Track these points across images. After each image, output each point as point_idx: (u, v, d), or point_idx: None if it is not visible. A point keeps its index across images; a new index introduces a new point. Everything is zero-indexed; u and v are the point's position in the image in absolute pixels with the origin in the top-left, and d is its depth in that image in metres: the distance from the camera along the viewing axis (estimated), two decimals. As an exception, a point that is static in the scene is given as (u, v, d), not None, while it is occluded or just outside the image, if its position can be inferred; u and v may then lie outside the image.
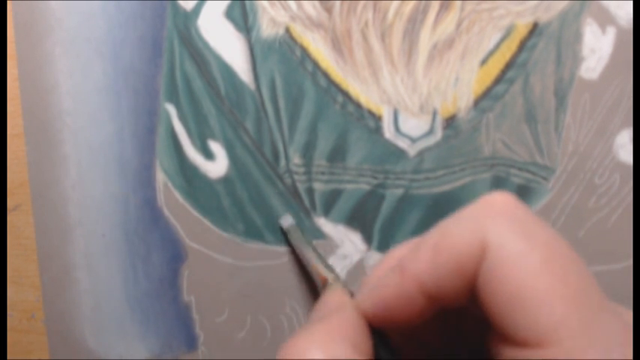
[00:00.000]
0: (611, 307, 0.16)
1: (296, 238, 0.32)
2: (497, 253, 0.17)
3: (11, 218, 0.34)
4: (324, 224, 0.33)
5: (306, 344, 0.18)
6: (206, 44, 0.32)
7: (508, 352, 0.17)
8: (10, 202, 0.34)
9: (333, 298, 0.21)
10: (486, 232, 0.17)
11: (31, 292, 0.35)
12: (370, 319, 0.20)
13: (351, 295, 0.22)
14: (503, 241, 0.17)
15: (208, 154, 0.33)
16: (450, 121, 0.31)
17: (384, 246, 0.32)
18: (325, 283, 0.26)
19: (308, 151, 0.32)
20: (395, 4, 0.30)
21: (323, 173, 0.32)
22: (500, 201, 0.18)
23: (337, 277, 0.26)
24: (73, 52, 0.32)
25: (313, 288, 0.33)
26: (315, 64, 0.31)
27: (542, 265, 0.16)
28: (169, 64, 0.32)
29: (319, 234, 0.33)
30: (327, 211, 0.32)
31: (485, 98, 0.31)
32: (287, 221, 0.33)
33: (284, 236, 0.33)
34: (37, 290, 0.35)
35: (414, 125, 0.31)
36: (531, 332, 0.16)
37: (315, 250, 0.30)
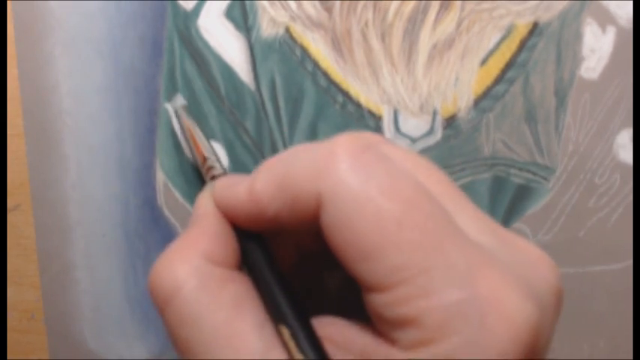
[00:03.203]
0: (459, 240, 0.16)
1: (184, 119, 0.30)
2: (335, 202, 0.17)
3: (11, 218, 0.34)
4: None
5: (168, 260, 0.19)
6: (206, 44, 0.32)
7: (364, 294, 0.17)
8: (10, 202, 0.34)
9: (203, 200, 0.21)
10: (325, 179, 0.17)
11: (31, 292, 0.35)
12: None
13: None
14: (340, 189, 0.17)
15: (208, 154, 0.33)
16: (450, 121, 0.31)
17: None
18: (204, 163, 0.26)
19: (308, 151, 0.32)
20: (395, 4, 0.30)
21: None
22: (346, 143, 0.18)
23: (216, 160, 0.26)
24: (73, 52, 0.32)
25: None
26: (315, 64, 0.31)
27: (378, 211, 0.16)
28: (169, 64, 0.32)
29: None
30: (327, 211, 0.32)
31: (486, 98, 0.31)
32: (177, 102, 0.32)
33: (174, 119, 0.32)
34: (37, 290, 0.35)
35: (414, 125, 0.31)
36: (373, 278, 0.16)
37: (201, 133, 0.29)
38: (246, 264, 0.20)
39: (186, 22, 0.32)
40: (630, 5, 0.29)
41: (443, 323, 0.15)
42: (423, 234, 0.16)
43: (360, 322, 0.18)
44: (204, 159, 0.26)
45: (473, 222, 0.18)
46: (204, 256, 0.19)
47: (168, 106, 0.32)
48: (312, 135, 0.32)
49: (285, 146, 0.32)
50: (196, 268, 0.18)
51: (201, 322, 0.17)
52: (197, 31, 0.32)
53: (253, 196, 0.19)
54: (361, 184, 0.17)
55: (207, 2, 0.31)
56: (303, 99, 0.32)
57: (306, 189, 0.17)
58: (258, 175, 0.19)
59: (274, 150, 0.32)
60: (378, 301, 0.16)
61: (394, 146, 0.19)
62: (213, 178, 0.26)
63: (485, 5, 0.30)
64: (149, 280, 0.19)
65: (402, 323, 0.16)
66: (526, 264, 0.17)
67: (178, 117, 0.31)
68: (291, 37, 0.31)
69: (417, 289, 0.16)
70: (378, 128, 0.31)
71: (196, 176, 0.33)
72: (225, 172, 0.26)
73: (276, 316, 0.18)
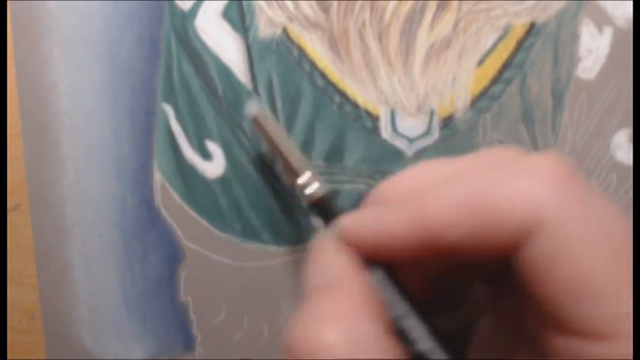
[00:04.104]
0: None
1: (268, 126, 0.26)
2: (555, 233, 0.14)
3: (11, 218, 0.34)
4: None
5: (319, 325, 0.15)
6: (203, 44, 0.32)
7: (557, 338, 0.15)
8: (10, 202, 0.34)
9: (327, 251, 0.18)
10: (543, 203, 0.15)
11: (31, 292, 0.35)
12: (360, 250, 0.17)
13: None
14: (565, 219, 0.14)
15: (206, 155, 0.33)
16: (448, 122, 0.31)
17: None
18: (297, 182, 0.22)
19: (305, 151, 0.32)
20: (392, 4, 0.30)
21: (320, 173, 0.32)
22: (553, 165, 0.15)
23: (313, 175, 0.22)
24: (71, 52, 0.32)
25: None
26: (313, 65, 0.31)
27: (614, 253, 0.14)
28: (167, 64, 0.32)
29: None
30: (324, 212, 0.32)
31: (483, 98, 0.31)
32: (253, 107, 0.27)
33: (252, 126, 0.28)
34: (37, 290, 0.35)
35: (412, 125, 0.31)
36: (593, 324, 0.14)
37: (290, 141, 0.25)
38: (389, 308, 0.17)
39: (183, 23, 0.32)
40: (627, 6, 0.29)
41: None
42: None
43: None
44: (295, 174, 0.22)
45: None
46: (367, 314, 0.16)
47: (247, 111, 0.28)
48: (310, 135, 0.32)
49: (282, 146, 0.32)
50: (365, 334, 0.15)
51: None
52: (194, 31, 0.32)
53: (425, 222, 0.16)
54: (588, 214, 0.15)
55: (205, 2, 0.32)
56: (300, 99, 0.32)
57: (513, 214, 0.15)
58: (426, 196, 0.16)
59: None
60: (590, 349, 0.14)
61: None
62: (316, 203, 0.21)
63: (483, 5, 0.30)
64: (300, 343, 0.15)
65: None
66: None
67: (259, 124, 0.27)
68: (289, 38, 0.31)
69: (629, 346, 0.14)
70: (375, 129, 0.31)
71: (194, 176, 0.33)
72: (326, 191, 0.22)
73: None
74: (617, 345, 0.14)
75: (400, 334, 0.17)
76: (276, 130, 0.26)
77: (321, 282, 0.17)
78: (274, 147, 0.25)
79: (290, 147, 0.25)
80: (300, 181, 0.21)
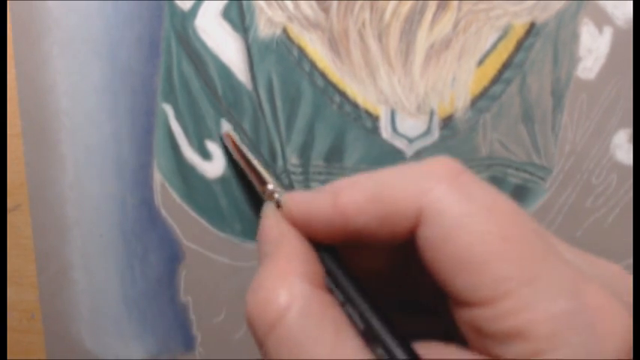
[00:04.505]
0: (559, 255, 0.17)
1: (234, 144, 0.30)
2: (436, 218, 0.17)
3: (11, 218, 0.34)
4: None
5: (267, 285, 0.18)
6: (203, 44, 0.32)
7: (458, 310, 0.17)
8: (10, 202, 0.34)
9: (271, 221, 0.21)
10: (426, 196, 0.17)
11: (31, 292, 0.35)
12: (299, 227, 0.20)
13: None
14: (443, 206, 0.17)
15: (206, 155, 0.33)
16: (447, 122, 0.31)
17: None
18: (265, 191, 0.25)
19: (305, 151, 0.32)
20: (392, 4, 0.30)
21: (320, 173, 0.32)
22: (443, 166, 0.18)
23: (275, 184, 0.25)
24: (71, 53, 0.32)
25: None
26: (313, 65, 0.31)
27: (482, 226, 0.17)
28: (166, 64, 0.32)
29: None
30: (324, 212, 0.32)
31: (483, 98, 0.31)
32: (225, 129, 0.32)
33: (223, 146, 0.32)
34: (37, 290, 0.35)
35: (411, 125, 0.31)
36: (475, 292, 0.16)
37: (253, 155, 0.29)
38: (333, 282, 0.20)
39: (183, 23, 0.32)
40: (627, 5, 0.29)
41: (551, 334, 0.15)
42: (527, 247, 0.16)
43: (452, 342, 0.18)
44: (264, 185, 0.26)
45: (558, 242, 0.18)
46: (303, 278, 0.18)
47: (222, 134, 0.32)
48: (310, 135, 0.32)
49: (282, 146, 0.32)
50: (299, 292, 0.18)
51: (306, 349, 0.17)
52: (194, 31, 0.32)
53: (339, 208, 0.19)
54: (465, 201, 0.17)
55: (205, 2, 0.32)
56: (300, 99, 0.32)
57: (405, 204, 0.18)
58: (344, 189, 0.19)
59: (271, 150, 0.32)
60: (480, 315, 0.16)
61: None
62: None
63: (482, 5, 0.30)
64: (248, 308, 0.18)
65: (508, 337, 0.16)
66: (611, 277, 0.18)
67: (229, 143, 0.31)
68: (289, 38, 0.31)
69: (522, 301, 0.16)
70: (375, 128, 0.31)
71: (194, 176, 0.33)
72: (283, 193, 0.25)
73: (373, 339, 0.18)
74: (499, 306, 0.16)
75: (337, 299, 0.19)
76: (243, 147, 0.30)
77: (266, 249, 0.20)
78: (245, 160, 0.29)
79: (254, 161, 0.29)
80: (269, 188, 0.25)
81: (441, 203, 0.17)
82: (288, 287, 0.18)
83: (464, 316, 0.17)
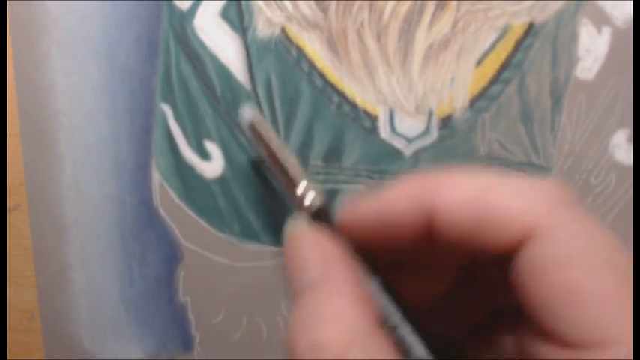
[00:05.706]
0: None
1: (263, 133, 0.25)
2: (555, 242, 0.15)
3: (11, 218, 0.34)
4: None
5: (324, 329, 0.16)
6: (202, 44, 0.32)
7: (545, 348, 0.16)
8: (10, 202, 0.34)
9: (309, 240, 0.18)
10: (540, 215, 0.16)
11: (31, 292, 0.35)
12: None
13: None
14: (560, 231, 0.15)
15: (204, 155, 0.33)
16: (446, 122, 0.31)
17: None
18: (294, 192, 0.21)
19: (304, 151, 0.32)
20: (391, 4, 0.30)
21: (319, 173, 0.32)
22: (553, 186, 0.16)
23: (313, 189, 0.21)
24: (70, 53, 0.32)
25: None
26: (311, 65, 0.31)
27: (604, 263, 0.15)
28: (165, 64, 0.32)
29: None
30: (322, 212, 0.32)
31: (481, 98, 0.31)
32: (249, 112, 0.26)
33: (247, 133, 0.27)
34: (37, 290, 0.35)
35: (410, 125, 0.31)
36: (583, 333, 0.15)
37: (284, 150, 0.24)
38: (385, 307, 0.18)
39: (182, 23, 0.32)
40: (626, 6, 0.29)
41: None
42: (628, 294, 0.15)
43: None
44: (292, 183, 0.21)
45: None
46: (359, 319, 0.16)
47: (242, 116, 0.26)
48: (308, 135, 0.32)
49: (280, 146, 0.32)
50: (357, 336, 0.16)
51: None
52: (193, 31, 0.32)
53: (427, 204, 0.17)
54: (586, 233, 0.15)
55: (203, 2, 0.32)
56: (298, 99, 0.32)
57: (513, 216, 0.16)
58: (435, 185, 0.17)
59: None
60: (576, 356, 0.15)
61: None
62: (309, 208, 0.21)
63: (481, 6, 0.30)
64: (299, 350, 0.16)
65: None
66: None
67: (255, 130, 0.26)
68: (287, 38, 0.31)
69: (617, 354, 0.14)
70: (374, 128, 0.31)
71: (192, 177, 0.33)
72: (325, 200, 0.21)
73: None
74: (603, 352, 0.14)
75: (393, 335, 0.17)
76: (272, 137, 0.25)
77: (308, 278, 0.17)
78: (271, 155, 0.25)
79: (286, 156, 0.24)
80: (298, 192, 0.21)
81: (563, 230, 0.15)
82: (345, 332, 0.16)
83: (552, 353, 0.15)
